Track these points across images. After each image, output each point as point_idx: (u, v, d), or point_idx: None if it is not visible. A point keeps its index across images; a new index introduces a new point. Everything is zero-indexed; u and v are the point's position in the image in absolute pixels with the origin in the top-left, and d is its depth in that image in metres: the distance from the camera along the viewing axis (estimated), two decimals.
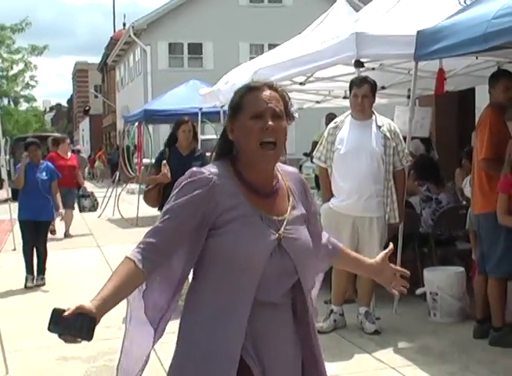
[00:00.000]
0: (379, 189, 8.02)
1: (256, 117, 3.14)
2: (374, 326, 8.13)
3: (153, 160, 10.86)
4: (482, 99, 15.44)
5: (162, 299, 3.25)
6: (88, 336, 2.84)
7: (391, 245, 3.93)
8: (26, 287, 11.55)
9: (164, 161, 9.32)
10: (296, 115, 3.49)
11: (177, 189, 3.18)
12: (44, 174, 12.09)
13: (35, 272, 11.91)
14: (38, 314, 9.18)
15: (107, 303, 2.93)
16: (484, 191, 7.50)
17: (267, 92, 3.19)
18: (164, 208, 3.19)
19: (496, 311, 7.54)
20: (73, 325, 2.82)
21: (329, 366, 6.94)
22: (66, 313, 2.84)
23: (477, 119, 14.67)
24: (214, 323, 3.13)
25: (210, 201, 3.10)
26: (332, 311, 8.31)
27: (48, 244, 12.45)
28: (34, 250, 11.94)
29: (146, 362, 3.28)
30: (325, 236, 3.76)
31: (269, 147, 3.13)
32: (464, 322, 8.34)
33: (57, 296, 10.54)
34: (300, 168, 18.13)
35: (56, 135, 21.04)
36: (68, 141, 19.07)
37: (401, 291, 3.78)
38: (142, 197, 10.47)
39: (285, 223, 3.23)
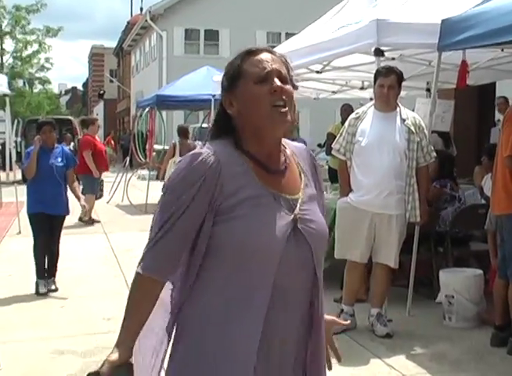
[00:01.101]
0: (400, 186, 7.74)
1: (261, 81, 2.79)
2: (386, 329, 7.85)
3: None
4: (502, 92, 15.32)
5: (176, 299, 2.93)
6: None
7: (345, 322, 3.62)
8: (37, 293, 9.76)
9: None
10: (298, 85, 3.05)
11: (177, 178, 2.77)
12: (59, 160, 10.15)
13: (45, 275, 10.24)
14: (37, 303, 8.84)
15: (135, 338, 2.75)
16: (509, 190, 7.17)
17: (267, 55, 2.86)
18: (163, 203, 2.80)
19: None
20: None
21: (338, 370, 6.73)
22: (101, 372, 2.64)
23: (496, 115, 14.57)
24: (223, 325, 2.75)
25: (217, 185, 2.73)
26: (342, 311, 8.03)
27: None
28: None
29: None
30: None
31: (283, 108, 2.78)
32: (481, 328, 8.08)
33: (59, 284, 10.18)
34: None
35: (84, 117, 20.08)
36: (98, 123, 18.24)
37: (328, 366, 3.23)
38: None
39: (299, 203, 2.87)
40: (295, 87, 2.94)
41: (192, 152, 2.80)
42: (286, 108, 2.78)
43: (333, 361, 6.73)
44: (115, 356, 2.65)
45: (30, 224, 10.30)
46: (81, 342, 7.69)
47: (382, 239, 7.87)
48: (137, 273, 2.73)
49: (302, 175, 2.99)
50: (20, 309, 9.09)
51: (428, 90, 12.56)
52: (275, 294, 2.74)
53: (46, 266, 10.22)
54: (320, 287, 2.94)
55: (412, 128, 7.73)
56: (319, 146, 21.35)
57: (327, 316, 3.17)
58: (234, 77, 2.84)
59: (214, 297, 2.77)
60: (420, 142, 7.79)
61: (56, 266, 10.32)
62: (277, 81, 2.78)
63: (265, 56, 2.84)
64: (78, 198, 10.41)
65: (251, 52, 2.86)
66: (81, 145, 15.76)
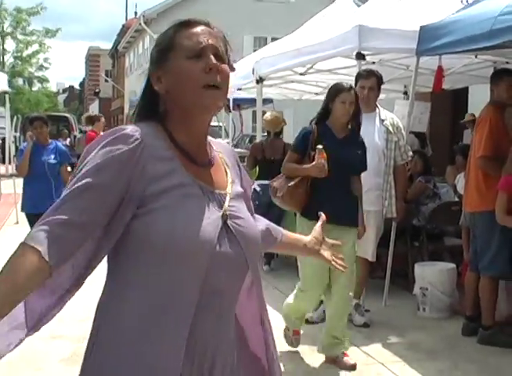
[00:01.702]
0: (378, 183, 7.75)
1: (194, 56, 2.37)
2: (363, 318, 7.83)
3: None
4: (475, 98, 15.33)
5: (43, 302, 2.36)
6: None
7: (323, 216, 3.22)
8: None
9: (321, 146, 6.10)
10: (235, 66, 2.62)
11: (95, 149, 2.30)
12: (52, 156, 9.41)
13: None
14: None
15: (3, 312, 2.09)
16: (481, 189, 7.21)
17: (204, 28, 2.46)
18: (77, 172, 2.29)
19: (487, 310, 7.27)
20: None
21: (318, 358, 6.73)
22: None
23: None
24: (145, 333, 2.28)
25: (137, 165, 2.27)
26: (322, 302, 7.90)
27: None
28: None
29: None
30: (262, 221, 2.93)
31: (215, 90, 2.37)
32: (453, 318, 8.08)
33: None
34: None
35: (90, 113, 19.46)
36: (103, 119, 17.91)
37: (340, 269, 3.08)
38: (279, 196, 6.55)
39: (228, 199, 2.46)
40: (232, 68, 2.52)
41: (116, 127, 2.39)
42: (220, 90, 2.39)
43: (311, 348, 6.74)
44: None
45: (28, 221, 9.59)
46: (73, 328, 7.60)
47: None
48: (24, 243, 2.17)
49: (228, 171, 2.58)
50: None
51: (406, 93, 12.60)
52: (205, 296, 2.32)
53: None
54: (258, 285, 2.60)
55: (391, 128, 7.78)
56: None
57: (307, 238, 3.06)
58: (165, 49, 2.42)
59: (129, 310, 2.31)
60: (398, 141, 7.86)
61: None
62: (213, 59, 2.38)
63: (201, 28, 2.45)
64: None
65: (187, 24, 2.46)
66: (87, 141, 15.60)
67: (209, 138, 2.59)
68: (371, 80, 7.75)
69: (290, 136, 11.47)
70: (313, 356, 6.81)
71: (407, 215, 8.38)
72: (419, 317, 8.20)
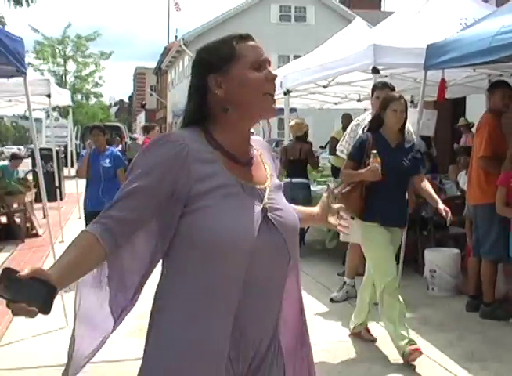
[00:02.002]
0: None
1: (256, 67, 2.35)
2: None
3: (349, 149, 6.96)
4: (472, 106, 15.20)
5: (128, 289, 2.40)
6: (46, 308, 1.97)
7: (332, 185, 3.06)
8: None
9: (374, 151, 5.74)
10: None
11: (142, 154, 2.32)
12: (107, 161, 9.15)
13: None
14: None
15: (66, 277, 2.10)
16: (482, 185, 7.22)
17: (257, 43, 2.42)
18: (128, 175, 2.31)
19: (488, 289, 7.31)
20: (29, 291, 1.93)
21: (342, 332, 6.72)
22: (21, 274, 1.94)
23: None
24: (196, 319, 2.28)
25: (183, 167, 2.24)
26: (345, 283, 8.00)
27: None
28: None
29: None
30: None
31: (272, 98, 2.39)
32: (458, 296, 8.06)
33: None
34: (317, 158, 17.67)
35: (146, 124, 19.12)
36: (157, 128, 17.86)
37: (345, 232, 2.92)
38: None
39: (267, 192, 2.41)
40: None
41: (163, 133, 2.40)
42: (273, 98, 2.40)
43: (337, 323, 6.68)
44: (42, 270, 2.02)
45: (84, 219, 9.44)
46: (136, 307, 7.61)
47: None
48: (81, 231, 2.22)
49: (266, 166, 2.53)
50: None
51: (412, 102, 12.50)
52: (249, 283, 2.28)
53: None
54: (298, 272, 2.51)
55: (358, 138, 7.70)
56: (321, 147, 21.36)
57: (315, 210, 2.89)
58: (228, 58, 2.35)
59: (182, 299, 2.30)
60: None
61: None
62: (272, 70, 2.39)
63: (256, 43, 2.41)
64: None
65: (245, 37, 2.40)
66: (143, 147, 15.63)
67: (251, 137, 2.56)
68: (385, 91, 7.57)
69: (311, 139, 11.53)
70: (340, 330, 6.83)
71: (417, 207, 8.31)
72: (428, 296, 8.21)
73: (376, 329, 6.77)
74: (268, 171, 2.52)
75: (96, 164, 9.11)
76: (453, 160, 12.90)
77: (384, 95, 6.33)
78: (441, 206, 5.86)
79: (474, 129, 13.98)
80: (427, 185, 6.14)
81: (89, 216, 8.95)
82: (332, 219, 2.85)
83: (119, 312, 2.39)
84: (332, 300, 7.81)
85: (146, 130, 16.77)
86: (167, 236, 2.30)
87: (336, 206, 2.84)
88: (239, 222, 2.25)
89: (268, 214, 2.35)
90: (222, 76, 2.35)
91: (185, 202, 2.26)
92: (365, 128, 6.39)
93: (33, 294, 1.94)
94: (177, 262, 2.33)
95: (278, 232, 2.35)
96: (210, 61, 2.38)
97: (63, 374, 2.32)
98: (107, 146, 9.32)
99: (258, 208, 2.33)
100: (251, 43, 2.40)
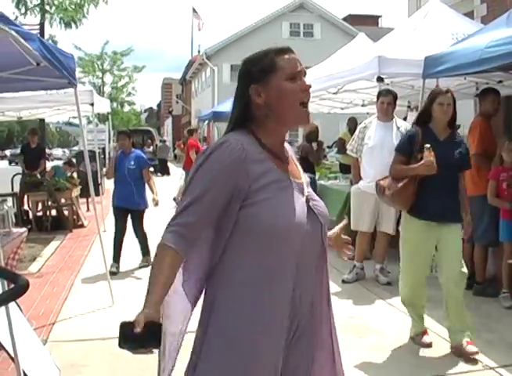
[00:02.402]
0: None
1: (292, 78, 2.34)
2: (387, 278, 7.83)
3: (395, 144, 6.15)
4: (461, 111, 15.06)
5: (195, 289, 2.42)
6: (158, 344, 2.12)
7: (344, 222, 2.85)
8: (110, 273, 7.97)
9: (428, 145, 5.13)
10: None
11: (205, 158, 2.29)
12: (132, 163, 8.91)
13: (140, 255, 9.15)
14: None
15: (162, 298, 2.18)
16: (474, 179, 7.19)
17: (295, 55, 2.41)
18: (193, 180, 2.29)
19: (480, 270, 7.40)
20: (145, 338, 2.06)
21: (354, 309, 6.74)
22: (138, 330, 2.04)
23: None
24: (257, 299, 2.28)
25: (243, 169, 2.24)
26: (355, 266, 8.05)
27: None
28: (126, 238, 9.04)
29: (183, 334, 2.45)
30: None
31: (307, 107, 2.37)
32: None
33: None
34: (325, 157, 17.57)
35: (191, 127, 19.08)
36: (199, 131, 17.92)
37: (348, 257, 2.83)
38: (388, 195, 5.55)
39: (305, 186, 2.45)
40: None
41: (221, 139, 2.33)
42: (308, 107, 2.39)
43: (348, 301, 6.69)
44: (147, 313, 2.09)
45: (113, 213, 9.13)
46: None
47: (384, 214, 7.91)
48: (160, 244, 2.24)
49: (297, 164, 2.56)
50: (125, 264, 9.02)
51: (409, 107, 12.45)
52: (300, 263, 2.33)
53: (141, 248, 9.11)
54: (326, 262, 2.51)
55: (405, 133, 7.65)
56: (328, 147, 21.36)
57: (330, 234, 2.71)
58: (268, 70, 2.35)
59: (243, 282, 2.29)
60: None
61: (147, 247, 9.04)
62: (307, 81, 2.37)
63: (293, 55, 2.40)
64: (153, 192, 8.89)
65: (283, 51, 2.40)
66: (189, 147, 15.60)
67: None
68: (389, 97, 7.81)
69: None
70: (351, 307, 6.84)
71: None
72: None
73: (382, 305, 6.80)
74: (300, 168, 2.56)
75: (122, 166, 8.89)
76: None
77: (432, 90, 5.64)
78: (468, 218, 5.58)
79: (460, 130, 13.98)
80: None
81: (116, 210, 8.99)
82: (338, 245, 2.80)
83: (193, 302, 2.45)
84: (343, 281, 7.83)
85: (190, 133, 16.78)
86: (226, 227, 2.31)
87: (345, 238, 2.81)
88: (294, 210, 2.29)
89: (310, 203, 2.40)
90: (262, 86, 2.35)
91: (244, 197, 2.26)
92: (413, 123, 5.77)
93: (148, 341, 2.08)
94: (232, 251, 2.32)
95: (318, 220, 2.41)
96: (252, 72, 2.38)
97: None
98: (132, 149, 9.09)
99: (303, 199, 2.37)
100: (288, 56, 2.38)
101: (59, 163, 15.22)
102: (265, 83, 2.36)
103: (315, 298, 2.48)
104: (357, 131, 8.17)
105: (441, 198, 5.28)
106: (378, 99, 7.88)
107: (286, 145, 2.58)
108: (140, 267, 8.91)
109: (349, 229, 8.25)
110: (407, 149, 5.44)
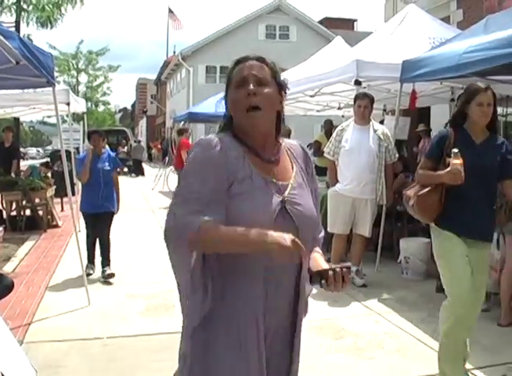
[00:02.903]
0: (373, 178, 7.80)
1: (240, 85, 2.39)
2: (362, 281, 7.86)
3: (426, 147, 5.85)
4: (436, 115, 15.26)
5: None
6: None
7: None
8: (87, 274, 7.79)
9: (456, 150, 4.37)
10: (288, 85, 2.46)
11: (190, 158, 2.38)
12: (107, 164, 8.42)
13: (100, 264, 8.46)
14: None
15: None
16: None
17: (251, 62, 2.45)
18: (184, 178, 2.35)
19: None
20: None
21: (329, 311, 6.75)
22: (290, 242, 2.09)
23: (432, 129, 14.57)
24: (225, 292, 2.33)
25: (227, 162, 2.33)
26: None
27: None
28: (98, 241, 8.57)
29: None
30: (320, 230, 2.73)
31: (255, 112, 2.36)
32: (428, 279, 8.06)
33: (125, 250, 10.10)
34: None
35: (180, 127, 19.00)
36: (190, 131, 17.87)
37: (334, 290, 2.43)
38: (410, 205, 4.83)
39: (289, 188, 2.41)
40: (284, 87, 2.53)
41: (203, 138, 2.41)
42: (261, 109, 2.37)
43: (324, 303, 6.70)
44: (275, 234, 2.12)
45: (84, 219, 8.52)
46: (146, 289, 7.67)
47: (360, 216, 7.94)
48: (198, 228, 2.21)
49: (294, 166, 2.52)
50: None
51: (385, 110, 12.55)
52: (270, 266, 2.29)
53: (101, 255, 8.42)
54: (306, 259, 2.42)
55: (382, 136, 7.81)
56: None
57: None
58: (227, 83, 2.46)
59: (219, 263, 2.33)
60: (387, 146, 7.87)
61: (109, 257, 8.44)
62: (251, 85, 2.37)
63: (249, 63, 2.45)
64: (118, 195, 8.48)
65: (239, 62, 2.48)
66: (181, 145, 15.58)
67: (285, 139, 2.60)
68: (365, 100, 7.80)
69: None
70: (326, 309, 6.88)
71: (393, 202, 8.38)
72: (403, 279, 8.26)
73: (357, 307, 6.84)
74: (294, 170, 2.52)
75: (95, 168, 8.31)
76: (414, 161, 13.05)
77: (468, 86, 4.72)
78: None
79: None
80: None
81: (85, 216, 8.43)
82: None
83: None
84: (321, 286, 7.81)
85: (181, 133, 16.81)
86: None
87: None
88: (258, 208, 2.29)
89: (287, 206, 2.36)
90: (227, 98, 2.48)
91: (228, 191, 2.31)
92: (446, 123, 4.99)
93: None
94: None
95: (293, 223, 2.35)
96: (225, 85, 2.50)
97: None
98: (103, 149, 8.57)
99: (277, 200, 2.35)
100: (241, 65, 2.46)
101: (36, 163, 15.11)
102: (227, 96, 2.48)
103: (286, 300, 2.46)
104: (334, 134, 8.14)
105: (472, 210, 4.52)
106: (355, 102, 7.91)
107: (295, 147, 2.62)
108: (105, 279, 8.18)
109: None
110: (435, 152, 4.70)
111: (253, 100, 2.36)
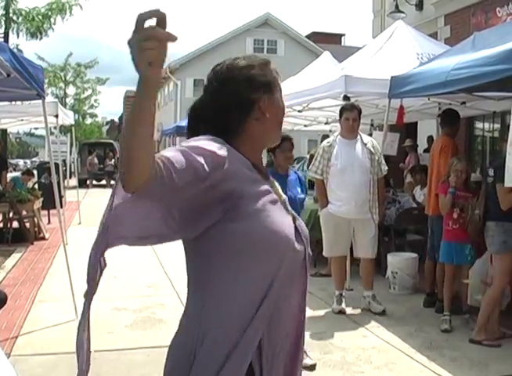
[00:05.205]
0: (368, 196, 7.24)
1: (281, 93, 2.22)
2: (381, 307, 7.37)
3: None
4: (422, 130, 15.33)
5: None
6: None
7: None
8: None
9: None
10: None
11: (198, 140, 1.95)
12: None
13: None
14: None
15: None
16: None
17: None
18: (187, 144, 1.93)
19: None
20: None
21: (318, 325, 6.76)
22: None
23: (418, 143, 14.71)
24: (242, 316, 1.95)
25: (230, 166, 1.90)
26: (341, 295, 7.53)
27: None
28: None
29: None
30: None
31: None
32: (416, 294, 8.13)
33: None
34: None
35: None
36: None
37: None
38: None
39: (287, 204, 2.16)
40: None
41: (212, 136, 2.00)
42: None
43: (311, 318, 6.68)
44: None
45: None
46: (133, 303, 7.64)
47: (360, 238, 7.40)
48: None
49: (276, 183, 2.23)
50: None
51: (372, 125, 12.60)
52: (284, 284, 2.04)
53: None
54: (307, 274, 2.17)
55: (372, 149, 7.28)
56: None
57: None
58: (271, 84, 2.19)
59: (228, 299, 1.97)
60: (378, 159, 7.32)
61: None
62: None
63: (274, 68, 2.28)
64: None
65: (270, 62, 2.31)
66: None
67: None
68: (354, 112, 7.23)
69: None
70: (314, 324, 6.88)
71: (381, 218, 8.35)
72: (391, 294, 8.24)
73: (344, 321, 6.84)
74: (276, 185, 2.24)
75: None
76: (399, 176, 13.15)
77: None
78: None
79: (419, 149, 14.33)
80: None
81: None
82: None
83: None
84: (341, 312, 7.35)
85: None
86: (196, 227, 1.97)
87: None
88: (286, 226, 2.04)
89: (296, 222, 2.13)
90: (267, 99, 2.18)
91: (232, 204, 1.94)
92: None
93: None
94: (221, 265, 2.00)
95: (301, 239, 2.13)
96: (256, 82, 2.20)
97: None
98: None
99: (289, 217, 2.12)
100: (272, 67, 2.30)
101: (18, 174, 15.08)
102: (270, 97, 2.20)
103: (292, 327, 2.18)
104: (320, 151, 7.50)
105: None
106: (341, 114, 7.37)
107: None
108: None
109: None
110: None
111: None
